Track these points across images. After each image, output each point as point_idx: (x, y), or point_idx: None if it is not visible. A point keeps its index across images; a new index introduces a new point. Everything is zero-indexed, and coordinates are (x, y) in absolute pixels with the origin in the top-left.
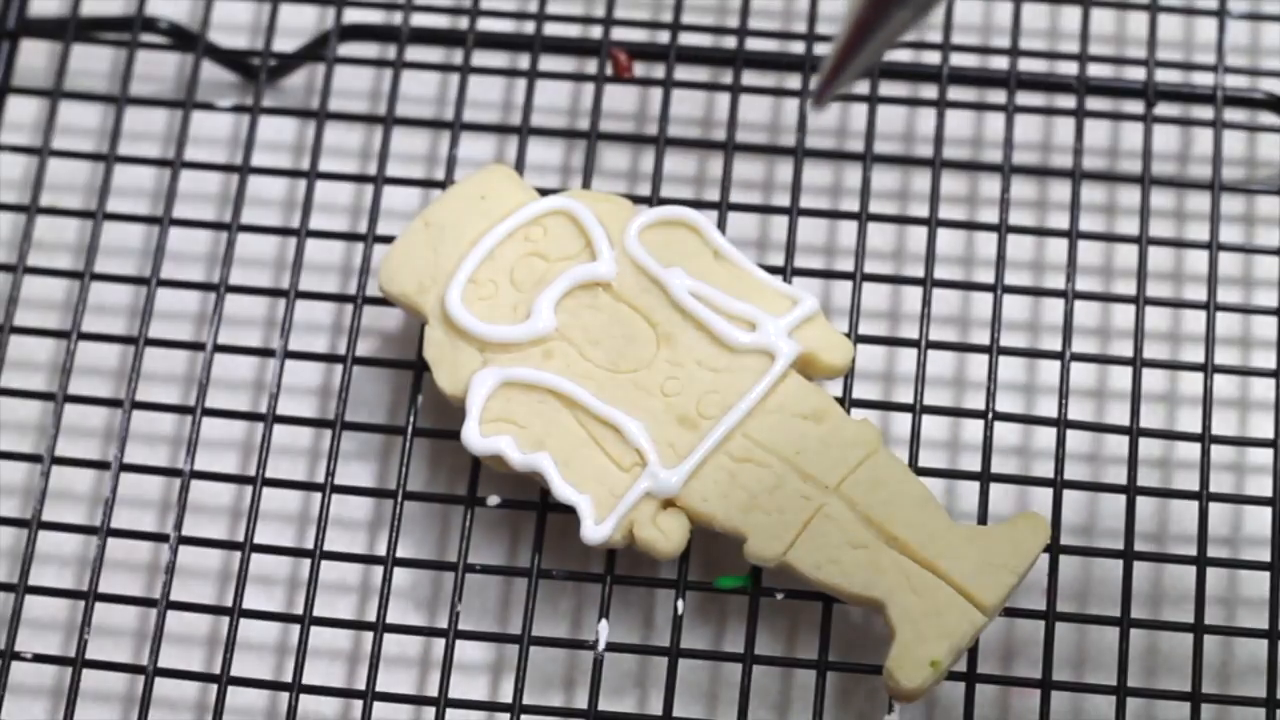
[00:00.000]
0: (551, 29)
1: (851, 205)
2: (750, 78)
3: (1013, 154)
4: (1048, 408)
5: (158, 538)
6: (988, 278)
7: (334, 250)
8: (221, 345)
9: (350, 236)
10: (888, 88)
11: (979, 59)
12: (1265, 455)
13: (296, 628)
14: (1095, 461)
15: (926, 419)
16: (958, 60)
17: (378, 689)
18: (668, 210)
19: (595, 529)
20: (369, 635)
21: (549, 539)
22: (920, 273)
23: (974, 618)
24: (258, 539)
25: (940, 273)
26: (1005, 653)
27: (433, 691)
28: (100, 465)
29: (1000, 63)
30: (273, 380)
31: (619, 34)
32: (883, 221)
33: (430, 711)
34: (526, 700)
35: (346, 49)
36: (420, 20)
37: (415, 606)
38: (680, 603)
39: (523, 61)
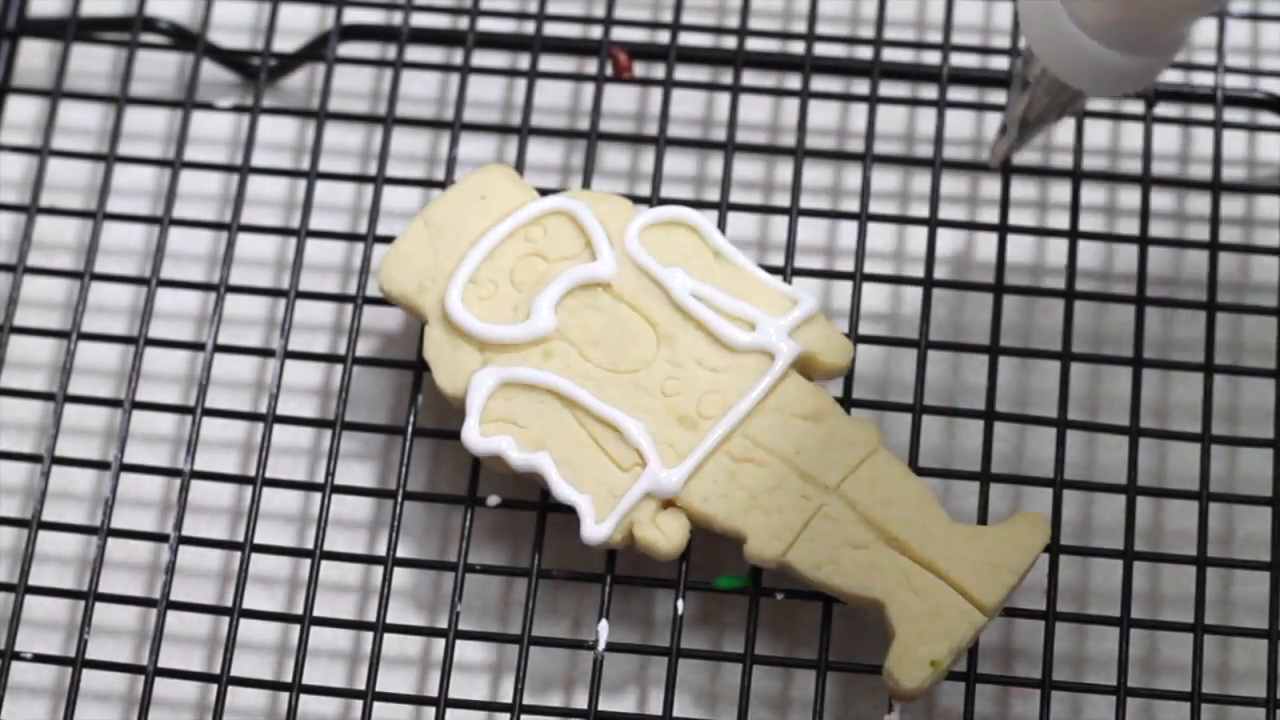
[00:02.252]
0: (551, 29)
1: (851, 205)
2: (750, 78)
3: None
4: (1048, 408)
5: (158, 538)
6: (987, 278)
7: (334, 250)
8: (221, 345)
9: (350, 236)
10: (888, 88)
11: (979, 59)
12: (1264, 456)
13: (296, 628)
14: (1094, 462)
15: (926, 420)
16: (958, 60)
17: (378, 689)
18: (668, 210)
19: (595, 528)
20: (369, 635)
21: (549, 539)
22: (920, 273)
23: (974, 618)
24: (258, 539)
25: (939, 272)
26: (1005, 653)
27: (433, 692)
28: (100, 465)
29: (1000, 63)
30: (273, 380)
31: (619, 34)
32: (883, 221)
33: (430, 712)
34: (526, 700)
35: (346, 49)
36: (420, 20)
37: (415, 607)
38: (680, 603)
39: (523, 61)
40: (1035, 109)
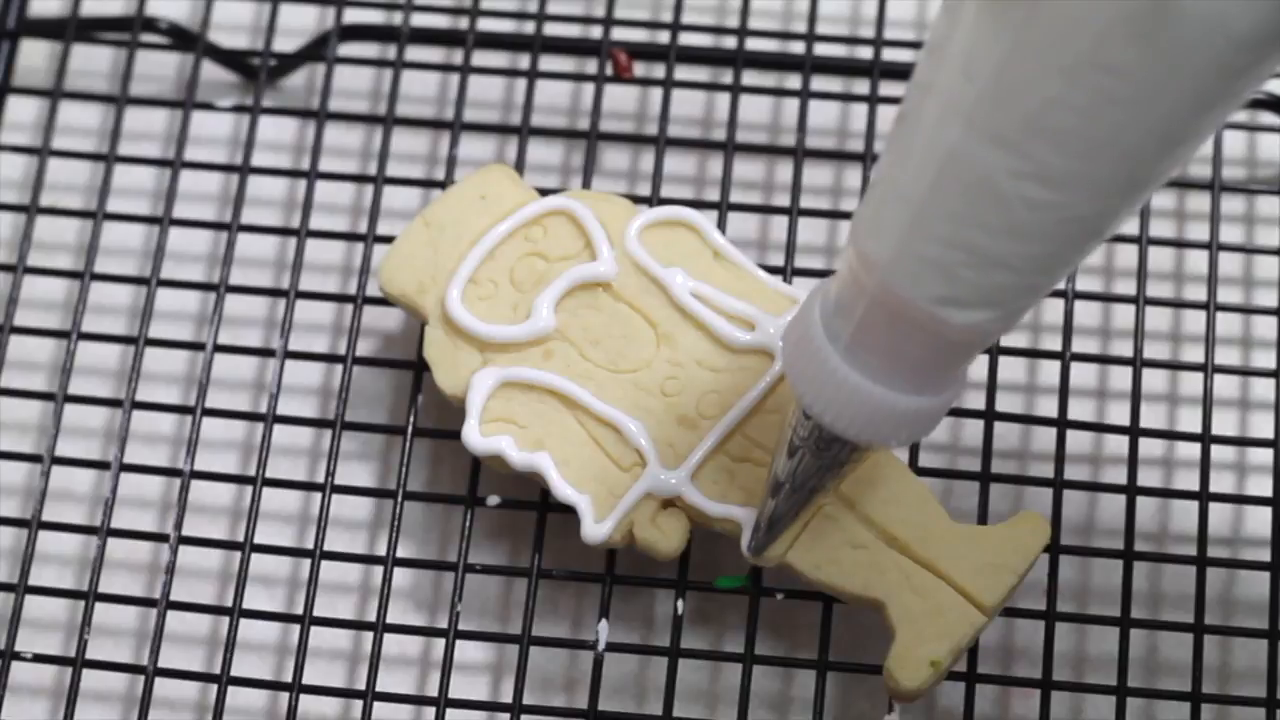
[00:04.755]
0: (551, 29)
1: (852, 205)
2: (750, 78)
3: None
4: (1048, 408)
5: (158, 538)
6: None
7: (334, 250)
8: (221, 345)
9: (350, 236)
10: (888, 87)
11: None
12: (1265, 455)
13: (296, 628)
14: (1095, 461)
15: None
16: None
17: (378, 689)
18: (668, 210)
19: (595, 527)
20: (369, 635)
21: (549, 539)
22: None
23: (974, 618)
24: (258, 539)
25: None
26: (1005, 653)
27: (433, 691)
28: (100, 465)
29: None
30: (273, 380)
31: (619, 34)
32: None
33: (430, 711)
34: (526, 700)
35: (346, 49)
36: (420, 20)
37: (415, 606)
38: (680, 603)
39: (523, 61)
40: (801, 473)
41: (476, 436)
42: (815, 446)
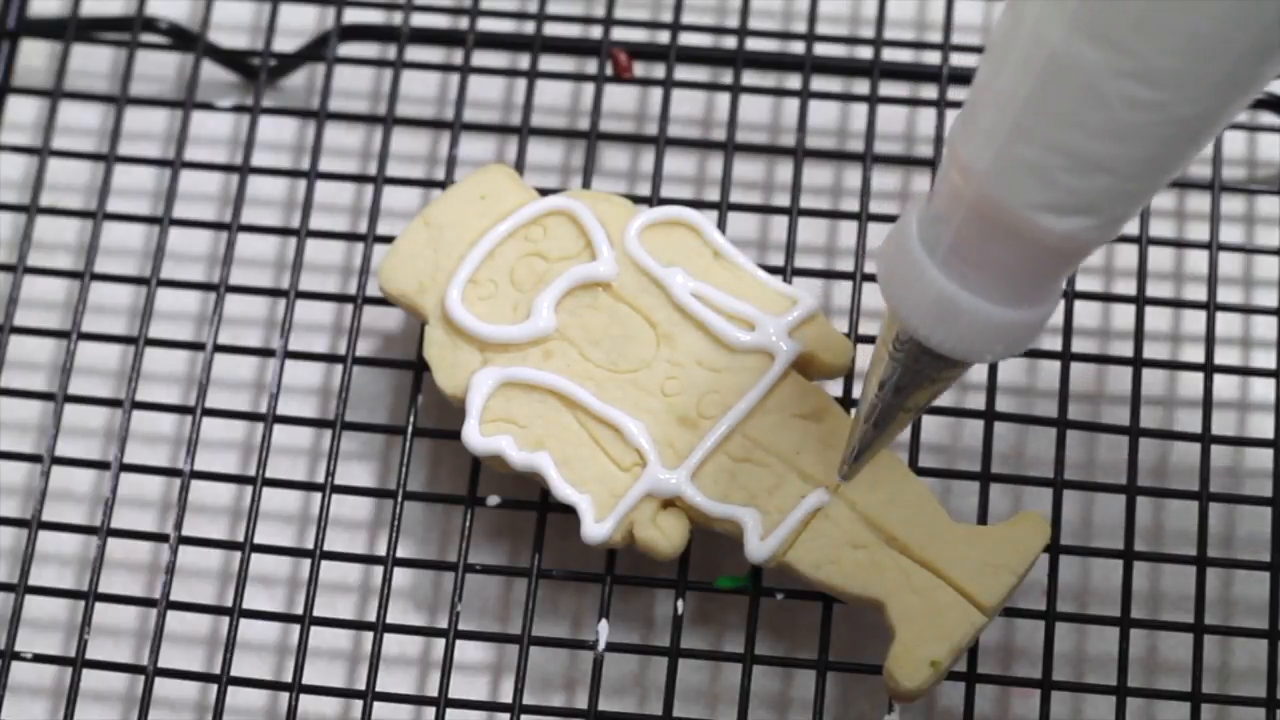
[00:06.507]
0: (551, 29)
1: (851, 205)
2: (750, 78)
3: None
4: (1047, 408)
5: (158, 538)
6: None
7: (334, 250)
8: (221, 345)
9: (350, 236)
10: (888, 88)
11: (979, 59)
12: (1265, 456)
13: (296, 628)
14: (1095, 461)
15: (926, 419)
16: (958, 60)
17: (378, 689)
18: (668, 210)
19: (595, 528)
20: (369, 635)
21: (549, 539)
22: None
23: (974, 618)
24: (258, 539)
25: None
26: (1005, 653)
27: (433, 691)
28: (100, 465)
29: None
30: (273, 380)
31: (619, 34)
32: (883, 221)
33: (430, 711)
34: (526, 700)
35: (346, 49)
36: (420, 20)
37: (415, 606)
38: (680, 603)
39: (523, 61)
40: (892, 391)
41: (476, 436)
42: (908, 363)
